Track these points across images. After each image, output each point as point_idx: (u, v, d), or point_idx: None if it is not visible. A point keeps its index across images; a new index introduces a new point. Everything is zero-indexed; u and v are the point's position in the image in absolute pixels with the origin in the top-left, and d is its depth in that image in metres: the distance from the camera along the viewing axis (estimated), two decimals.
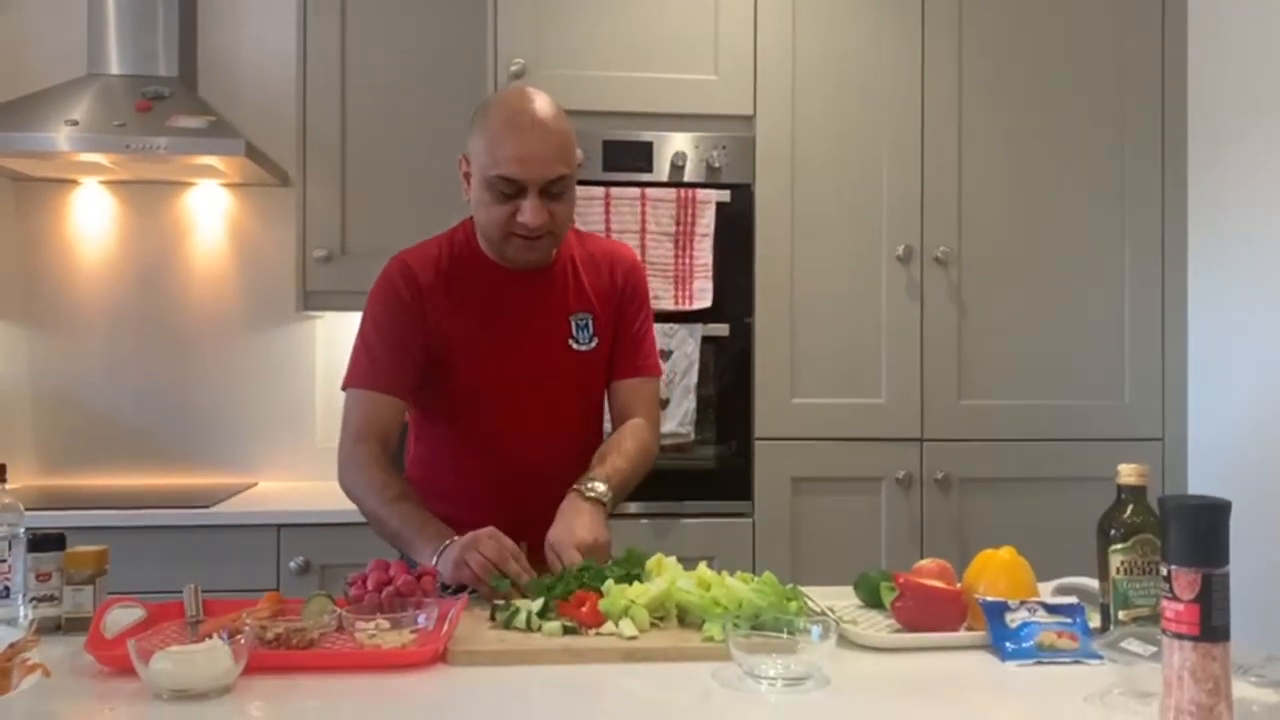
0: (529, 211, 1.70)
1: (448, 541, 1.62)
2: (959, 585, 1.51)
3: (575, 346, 1.85)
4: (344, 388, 1.83)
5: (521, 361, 1.82)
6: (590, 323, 1.87)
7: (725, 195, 2.66)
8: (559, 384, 1.85)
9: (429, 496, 1.79)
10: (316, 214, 2.90)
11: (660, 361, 2.02)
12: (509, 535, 1.61)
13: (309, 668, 1.30)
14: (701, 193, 2.64)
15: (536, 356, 1.83)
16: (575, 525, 1.65)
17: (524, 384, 1.82)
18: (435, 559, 1.61)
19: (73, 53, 2.95)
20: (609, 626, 1.42)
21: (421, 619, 1.40)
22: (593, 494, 1.71)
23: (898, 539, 2.70)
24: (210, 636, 1.27)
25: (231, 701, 1.19)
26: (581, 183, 2.58)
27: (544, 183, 1.71)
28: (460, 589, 1.59)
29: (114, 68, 2.90)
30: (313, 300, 2.91)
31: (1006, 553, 1.52)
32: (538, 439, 1.83)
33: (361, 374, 1.80)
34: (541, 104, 1.74)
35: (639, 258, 1.98)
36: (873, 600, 1.57)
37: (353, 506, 1.80)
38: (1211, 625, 1.06)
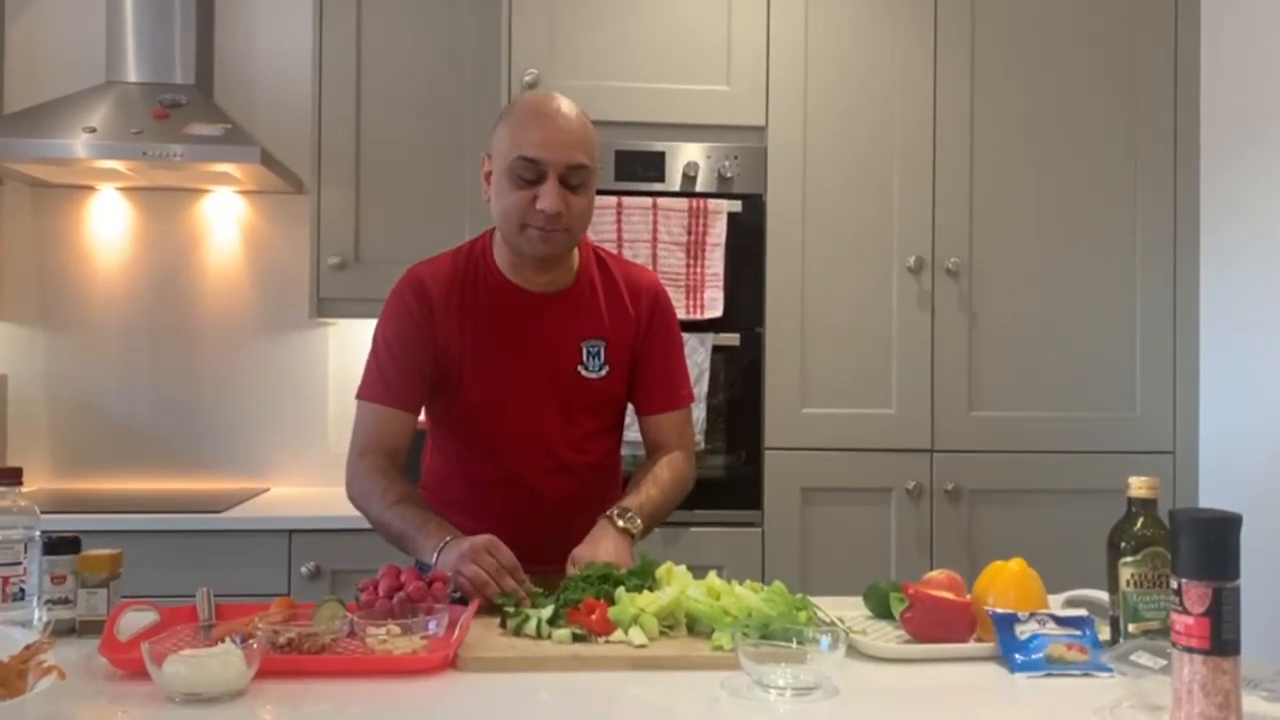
0: (547, 196, 1.68)
1: (448, 538, 1.63)
2: (968, 596, 1.51)
3: (584, 373, 1.83)
4: (357, 399, 1.83)
5: (528, 383, 1.81)
6: (602, 350, 1.84)
7: (737, 205, 2.67)
8: (566, 408, 1.83)
9: (442, 505, 1.80)
10: (330, 221, 2.91)
11: (693, 388, 2.00)
12: (516, 549, 1.60)
13: (320, 672, 1.31)
14: (713, 203, 2.65)
15: (543, 380, 1.81)
16: (599, 547, 1.67)
17: (530, 406, 1.81)
18: (435, 556, 1.61)
19: (91, 60, 2.98)
20: (618, 634, 1.43)
21: (432, 625, 1.41)
22: (623, 523, 1.73)
23: (907, 550, 2.70)
24: (223, 640, 1.28)
25: (243, 705, 1.20)
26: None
27: (565, 168, 1.69)
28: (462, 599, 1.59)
29: (132, 75, 2.93)
30: (326, 307, 2.93)
31: (1016, 564, 1.52)
32: (543, 461, 1.82)
33: (372, 387, 1.81)
34: (568, 103, 1.76)
35: (663, 284, 1.95)
36: (882, 611, 1.58)
37: None
38: (1222, 639, 1.06)
